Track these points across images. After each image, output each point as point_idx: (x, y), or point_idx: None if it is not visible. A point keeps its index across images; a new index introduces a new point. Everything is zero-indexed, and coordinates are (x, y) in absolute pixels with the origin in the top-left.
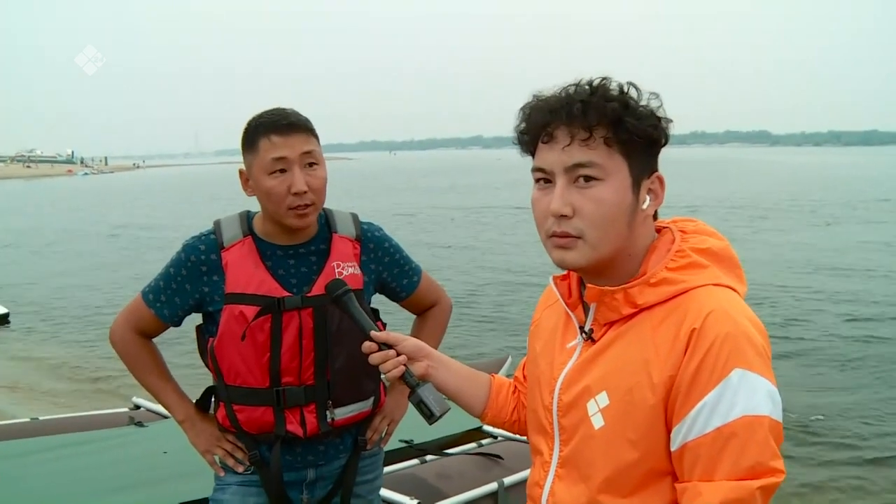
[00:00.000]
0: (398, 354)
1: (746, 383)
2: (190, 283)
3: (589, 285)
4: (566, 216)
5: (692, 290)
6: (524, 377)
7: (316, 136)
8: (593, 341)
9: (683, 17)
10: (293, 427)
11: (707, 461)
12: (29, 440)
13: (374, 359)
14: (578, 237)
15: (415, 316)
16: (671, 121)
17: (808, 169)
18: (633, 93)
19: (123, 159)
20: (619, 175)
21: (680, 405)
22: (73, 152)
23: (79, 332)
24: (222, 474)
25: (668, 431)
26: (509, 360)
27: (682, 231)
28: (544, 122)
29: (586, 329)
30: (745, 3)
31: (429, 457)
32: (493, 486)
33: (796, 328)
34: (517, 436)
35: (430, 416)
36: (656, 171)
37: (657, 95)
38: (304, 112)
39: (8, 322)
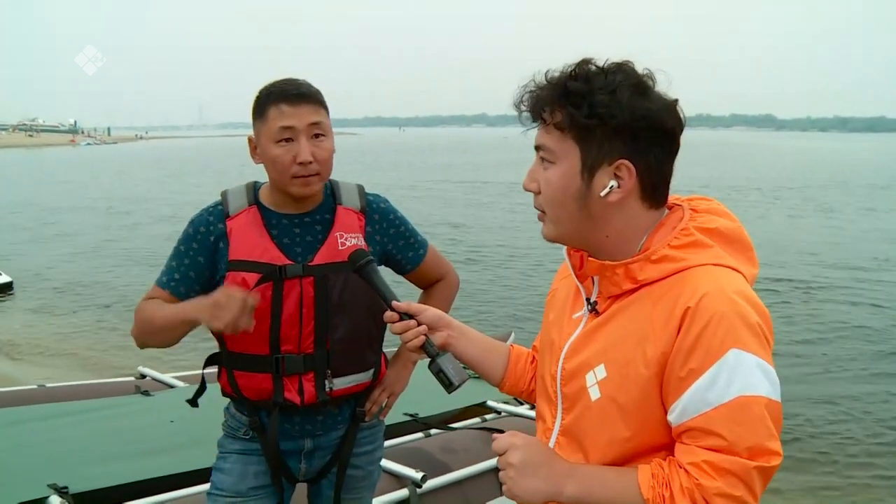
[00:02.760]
0: (419, 324)
1: (742, 363)
2: (203, 255)
3: (589, 259)
4: (533, 192)
5: (692, 268)
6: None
7: (325, 109)
8: (598, 314)
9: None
10: (291, 395)
11: (705, 439)
12: (36, 406)
13: (395, 328)
14: (543, 212)
15: (420, 290)
16: (652, 108)
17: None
18: (607, 78)
19: (126, 130)
20: (568, 160)
21: (675, 384)
22: (75, 122)
23: (84, 302)
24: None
25: (662, 408)
26: (512, 335)
27: (693, 210)
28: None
29: (591, 301)
30: None
31: (433, 431)
32: (496, 460)
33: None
34: (522, 410)
35: (450, 385)
36: (624, 158)
37: (649, 77)
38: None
39: (11, 291)
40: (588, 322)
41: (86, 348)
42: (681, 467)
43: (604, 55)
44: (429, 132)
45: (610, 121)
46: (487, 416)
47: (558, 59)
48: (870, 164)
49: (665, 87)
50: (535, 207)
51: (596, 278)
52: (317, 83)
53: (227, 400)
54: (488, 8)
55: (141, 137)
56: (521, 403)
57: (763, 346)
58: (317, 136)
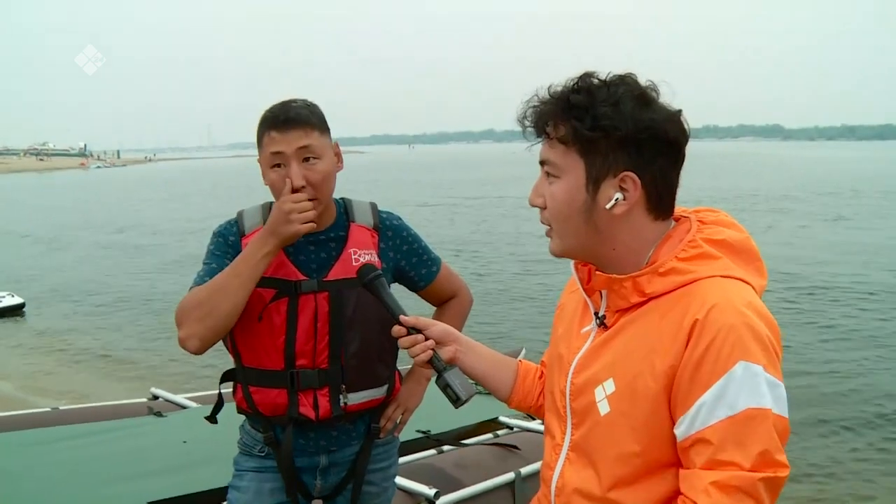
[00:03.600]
0: (427, 339)
1: (750, 376)
2: (230, 258)
3: (597, 272)
4: (540, 207)
5: (700, 280)
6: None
7: (319, 129)
8: (606, 327)
9: (697, 9)
10: (306, 410)
11: (711, 453)
12: (49, 429)
13: (403, 342)
14: (550, 227)
15: (434, 308)
16: (656, 119)
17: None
18: (609, 90)
19: (135, 152)
20: (573, 174)
21: (683, 397)
22: (85, 145)
23: (97, 324)
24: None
25: (671, 422)
26: (523, 351)
27: (700, 221)
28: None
29: (600, 315)
30: None
31: (446, 447)
32: (510, 475)
33: None
34: (534, 426)
35: (457, 400)
36: (629, 170)
37: (652, 88)
38: (318, 103)
39: (23, 313)
40: (597, 336)
41: (98, 370)
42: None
43: (610, 68)
44: (438, 149)
45: (614, 132)
46: (500, 432)
47: (563, 73)
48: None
49: (669, 98)
50: (542, 222)
51: (604, 292)
52: (323, 101)
53: (242, 419)
54: (492, 23)
55: (150, 159)
56: (533, 419)
57: (772, 359)
58: (307, 159)
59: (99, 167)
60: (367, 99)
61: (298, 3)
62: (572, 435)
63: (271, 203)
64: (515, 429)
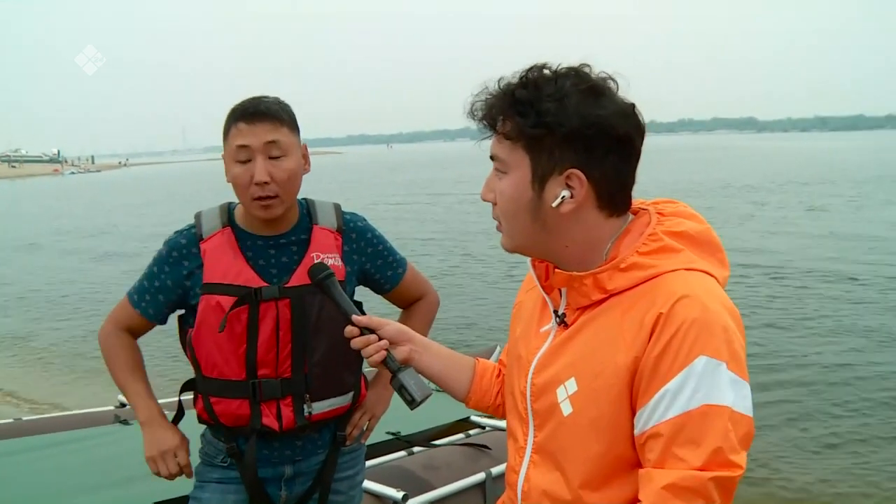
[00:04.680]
0: (380, 339)
1: (711, 371)
2: (172, 279)
3: (557, 270)
4: (491, 202)
5: (663, 274)
6: None
7: (289, 126)
8: (566, 326)
9: (671, 4)
10: (269, 420)
11: (663, 449)
12: (12, 440)
13: (355, 343)
14: (500, 223)
15: (400, 310)
16: (603, 114)
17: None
18: (557, 84)
19: (110, 157)
20: (520, 170)
21: (643, 391)
22: (58, 151)
23: (63, 329)
24: (163, 474)
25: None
26: (497, 348)
27: (660, 213)
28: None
29: (560, 313)
30: None
31: (416, 448)
32: (480, 476)
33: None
34: (505, 425)
35: (412, 402)
36: (575, 167)
37: (606, 80)
38: (292, 105)
39: None
40: (557, 335)
41: (65, 377)
42: None
43: (574, 59)
44: (415, 148)
45: (558, 129)
46: (471, 432)
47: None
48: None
49: (625, 90)
50: (493, 218)
51: (564, 289)
52: (298, 102)
53: (204, 427)
54: (468, 21)
55: (124, 164)
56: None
57: (735, 356)
58: (275, 156)
59: (73, 173)
60: (343, 100)
61: (273, 5)
62: (535, 437)
63: (230, 204)
64: (487, 428)
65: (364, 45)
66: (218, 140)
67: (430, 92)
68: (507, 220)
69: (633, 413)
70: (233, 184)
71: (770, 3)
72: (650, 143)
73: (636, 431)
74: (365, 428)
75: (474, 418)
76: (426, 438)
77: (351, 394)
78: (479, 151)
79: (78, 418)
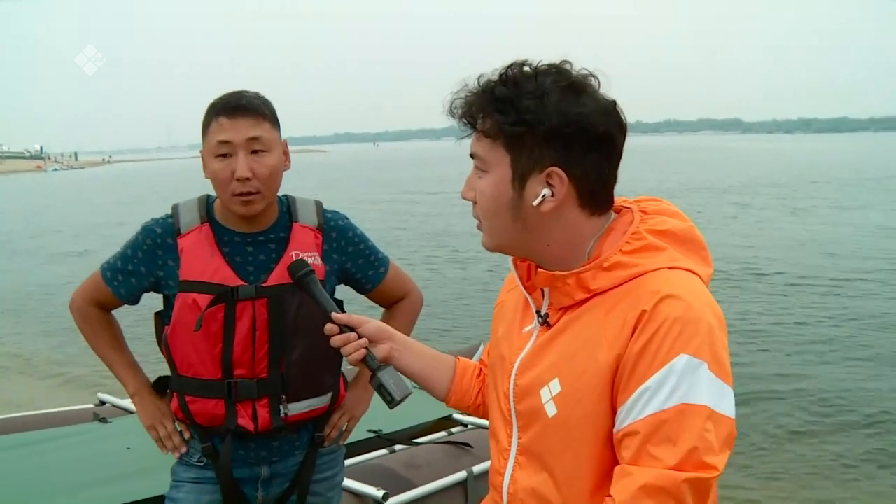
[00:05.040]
0: (360, 337)
1: (690, 370)
2: (145, 266)
3: (539, 270)
4: (471, 201)
5: (647, 273)
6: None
7: (271, 122)
8: (549, 326)
9: (657, 5)
10: (244, 421)
11: (639, 447)
12: None
13: (335, 341)
14: (480, 222)
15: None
16: (584, 112)
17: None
18: (538, 81)
19: (94, 154)
20: (500, 169)
21: (623, 388)
22: (41, 148)
23: (43, 327)
24: (165, 452)
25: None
26: (481, 346)
27: (643, 211)
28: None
29: (542, 313)
30: None
31: (397, 447)
32: (461, 474)
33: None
34: (488, 423)
35: (391, 401)
36: (555, 165)
37: (587, 77)
38: (276, 104)
39: None
40: (539, 335)
41: (45, 376)
42: None
43: (558, 57)
44: (401, 146)
45: (538, 127)
46: (453, 430)
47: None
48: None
49: (606, 87)
50: (474, 217)
51: (546, 289)
52: (282, 100)
53: (181, 426)
54: (455, 22)
55: (107, 161)
56: None
57: (717, 356)
58: (257, 151)
59: (56, 170)
60: (329, 98)
61: (257, 4)
62: (519, 438)
63: (209, 196)
64: (469, 426)
65: (357, 44)
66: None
67: (417, 91)
68: (487, 219)
69: (615, 412)
70: (212, 179)
71: (756, 8)
72: (636, 143)
73: (615, 429)
74: (343, 429)
75: (456, 416)
76: (407, 437)
77: (329, 395)
78: (461, 150)
79: (57, 416)
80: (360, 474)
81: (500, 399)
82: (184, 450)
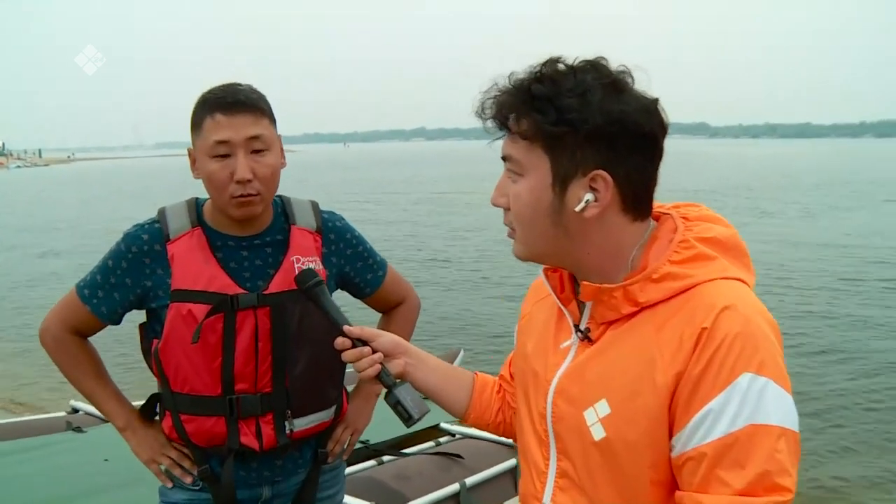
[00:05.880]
0: (374, 352)
1: (756, 389)
2: (131, 277)
3: (584, 283)
4: (503, 208)
5: (699, 284)
6: (511, 376)
7: (269, 118)
8: (590, 341)
9: (624, 10)
10: (248, 440)
11: (706, 472)
12: None
13: (347, 356)
14: (514, 230)
15: (379, 315)
16: (627, 110)
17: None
18: (577, 78)
19: (58, 152)
20: (538, 172)
21: (682, 410)
22: (3, 144)
23: (8, 327)
24: (170, 485)
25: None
26: (461, 353)
27: (684, 218)
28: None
29: (582, 328)
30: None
31: (386, 457)
32: (454, 487)
33: None
34: (476, 433)
35: (409, 419)
36: (600, 168)
37: (625, 74)
38: None
39: None
40: (579, 352)
41: (9, 380)
42: None
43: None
44: (371, 147)
45: (581, 126)
46: (441, 440)
47: (498, 69)
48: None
49: (644, 85)
50: (505, 224)
51: (589, 303)
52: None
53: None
54: (425, 23)
55: (71, 158)
56: None
57: (780, 370)
58: (257, 150)
59: (19, 167)
60: (297, 98)
61: (224, 2)
62: (559, 461)
63: (198, 199)
64: (458, 436)
65: (327, 45)
66: (169, 137)
67: (386, 92)
68: (522, 227)
69: (672, 434)
70: (207, 181)
71: (719, 14)
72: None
73: (674, 453)
74: (346, 444)
75: (444, 426)
76: (395, 447)
77: (333, 408)
78: (429, 151)
79: (27, 425)
80: (351, 487)
81: (535, 419)
82: (196, 473)
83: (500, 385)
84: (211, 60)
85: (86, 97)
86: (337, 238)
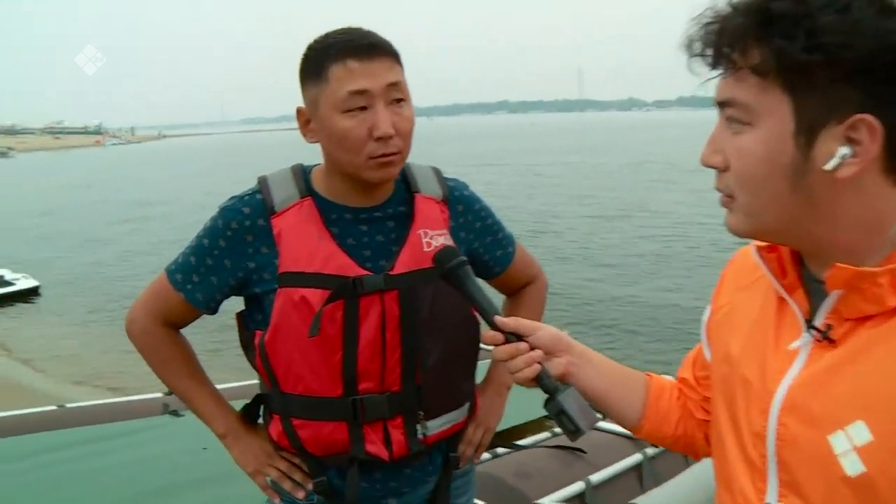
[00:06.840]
0: (532, 348)
1: None
2: (231, 258)
3: (837, 265)
4: (717, 168)
5: None
6: (695, 380)
7: (401, 65)
8: (831, 342)
9: None
10: (375, 448)
11: None
12: (53, 433)
13: (500, 353)
14: (730, 196)
15: (504, 297)
16: None
17: None
18: None
19: (148, 129)
20: (774, 119)
21: None
22: (100, 123)
23: (111, 309)
24: (277, 501)
25: None
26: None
27: None
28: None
29: (818, 324)
30: None
31: (500, 449)
32: (579, 485)
33: None
34: (601, 423)
35: (575, 432)
36: (864, 112)
37: None
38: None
39: (38, 295)
40: (816, 354)
41: (110, 359)
42: None
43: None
44: (453, 121)
45: (843, 54)
46: (557, 430)
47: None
48: None
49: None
50: (718, 189)
51: (834, 293)
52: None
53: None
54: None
55: (163, 136)
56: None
57: None
58: (397, 100)
59: (115, 144)
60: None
61: None
62: (782, 496)
63: (304, 166)
64: None
65: (393, 17)
66: (253, 113)
67: (464, 65)
68: (747, 191)
69: None
70: (338, 141)
71: None
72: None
73: None
74: (478, 445)
75: None
76: (509, 438)
77: (467, 405)
78: (515, 124)
79: (124, 406)
80: None
81: (745, 439)
82: (310, 486)
83: (681, 390)
84: (296, 35)
85: (173, 76)
86: (466, 209)
